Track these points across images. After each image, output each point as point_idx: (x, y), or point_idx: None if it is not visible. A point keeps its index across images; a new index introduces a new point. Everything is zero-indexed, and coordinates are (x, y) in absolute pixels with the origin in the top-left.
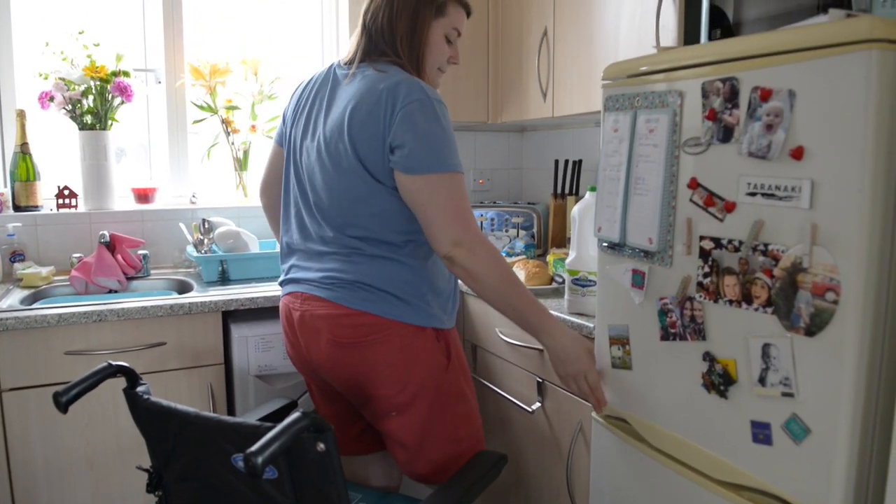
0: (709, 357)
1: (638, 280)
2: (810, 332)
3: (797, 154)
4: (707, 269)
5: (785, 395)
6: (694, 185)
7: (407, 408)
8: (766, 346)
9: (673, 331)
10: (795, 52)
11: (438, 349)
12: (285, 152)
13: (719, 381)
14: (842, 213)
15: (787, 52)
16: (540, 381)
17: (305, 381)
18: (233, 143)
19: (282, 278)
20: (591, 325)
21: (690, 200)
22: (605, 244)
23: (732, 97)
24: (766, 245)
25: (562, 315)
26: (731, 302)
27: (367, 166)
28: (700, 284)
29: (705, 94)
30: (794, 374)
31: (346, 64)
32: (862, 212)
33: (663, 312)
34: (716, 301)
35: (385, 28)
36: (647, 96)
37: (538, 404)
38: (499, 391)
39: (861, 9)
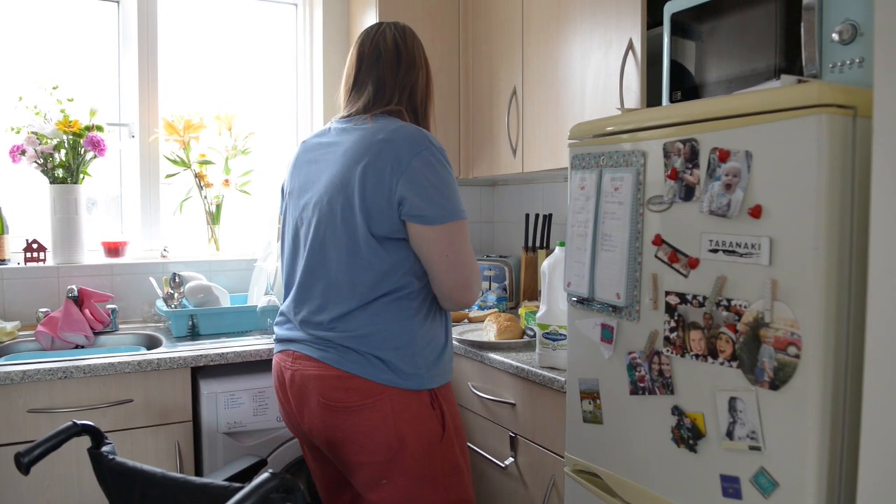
0: (677, 411)
1: (607, 334)
2: (774, 385)
3: (755, 212)
4: (673, 324)
5: (752, 448)
6: (658, 241)
7: (397, 477)
8: (732, 400)
9: (642, 385)
10: (751, 115)
11: (433, 417)
12: (283, 215)
13: (688, 435)
14: (799, 270)
15: (743, 115)
16: (513, 435)
17: (299, 442)
18: (205, 198)
19: (276, 335)
20: (563, 379)
21: (656, 256)
22: (574, 299)
23: (692, 157)
24: (728, 300)
25: (533, 368)
26: (697, 356)
27: (367, 219)
28: (667, 339)
29: (667, 154)
30: (761, 427)
31: (343, 119)
32: (818, 268)
33: (632, 367)
34: (682, 355)
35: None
36: (612, 156)
37: (511, 459)
38: (472, 446)
39: (811, 74)
